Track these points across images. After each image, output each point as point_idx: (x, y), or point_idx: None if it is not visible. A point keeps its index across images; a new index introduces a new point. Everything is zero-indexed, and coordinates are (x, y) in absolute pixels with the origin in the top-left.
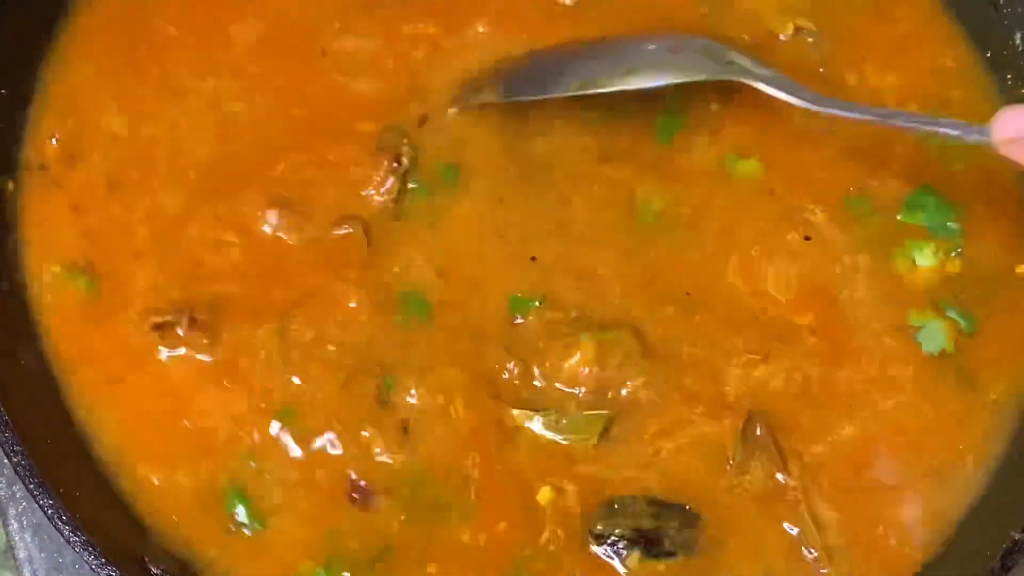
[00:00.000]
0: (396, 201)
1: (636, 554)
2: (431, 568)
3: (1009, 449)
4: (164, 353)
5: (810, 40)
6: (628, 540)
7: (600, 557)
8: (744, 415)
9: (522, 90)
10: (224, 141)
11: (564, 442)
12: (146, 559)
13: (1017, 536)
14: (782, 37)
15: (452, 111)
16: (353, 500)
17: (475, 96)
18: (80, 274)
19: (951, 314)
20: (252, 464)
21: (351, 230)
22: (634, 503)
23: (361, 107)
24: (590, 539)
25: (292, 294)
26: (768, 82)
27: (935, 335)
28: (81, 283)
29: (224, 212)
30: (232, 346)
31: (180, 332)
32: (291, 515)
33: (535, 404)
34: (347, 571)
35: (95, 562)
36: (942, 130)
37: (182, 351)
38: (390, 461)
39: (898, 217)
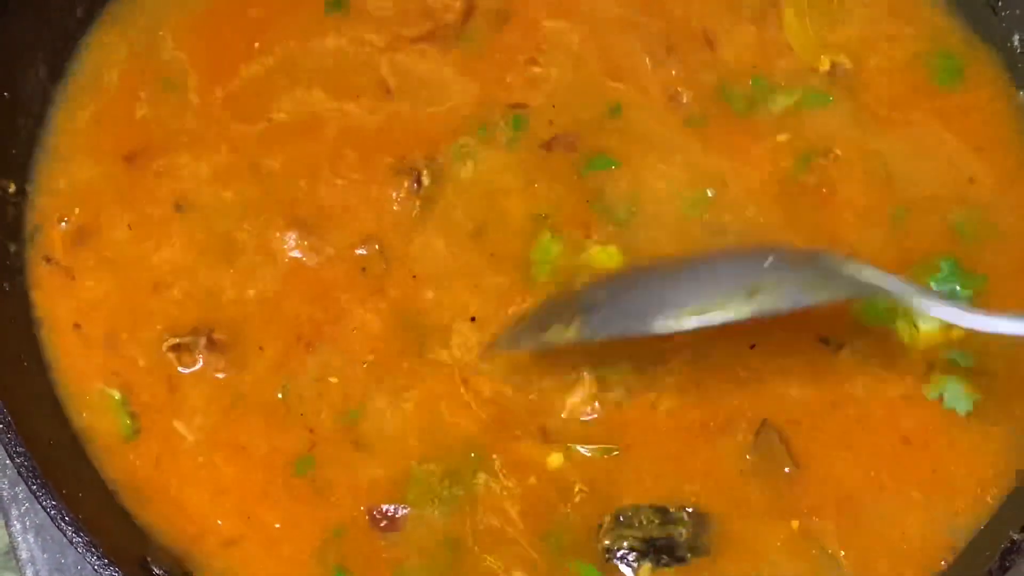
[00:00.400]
0: None
1: (648, 565)
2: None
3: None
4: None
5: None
6: (638, 552)
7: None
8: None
9: (611, 325)
10: None
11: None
12: (148, 560)
13: (1016, 536)
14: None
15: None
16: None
17: (532, 338)
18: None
19: (954, 356)
20: None
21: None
22: (638, 513)
23: None
24: (601, 554)
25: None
26: (906, 294)
27: (959, 395)
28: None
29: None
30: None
31: (198, 357)
32: None
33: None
34: None
35: (97, 563)
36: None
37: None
38: None
39: None
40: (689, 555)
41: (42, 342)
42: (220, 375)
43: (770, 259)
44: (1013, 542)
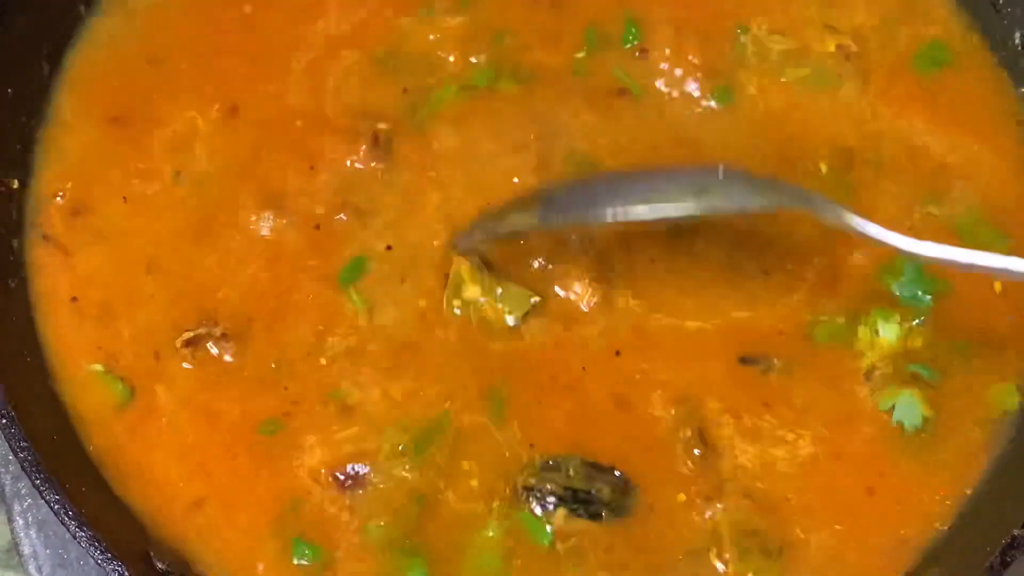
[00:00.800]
0: None
1: (562, 511)
2: None
3: (1008, 446)
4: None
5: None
6: (557, 497)
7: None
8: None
9: (567, 212)
10: None
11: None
12: (151, 554)
13: (1016, 532)
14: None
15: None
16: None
17: (498, 227)
18: None
19: (915, 369)
20: None
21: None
22: (568, 462)
23: None
24: (520, 491)
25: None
26: (833, 215)
27: (911, 408)
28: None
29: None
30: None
31: (211, 346)
32: None
33: None
34: None
35: (100, 557)
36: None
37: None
38: None
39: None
40: (605, 512)
41: (39, 323)
42: (229, 358)
43: (721, 170)
44: (1014, 538)
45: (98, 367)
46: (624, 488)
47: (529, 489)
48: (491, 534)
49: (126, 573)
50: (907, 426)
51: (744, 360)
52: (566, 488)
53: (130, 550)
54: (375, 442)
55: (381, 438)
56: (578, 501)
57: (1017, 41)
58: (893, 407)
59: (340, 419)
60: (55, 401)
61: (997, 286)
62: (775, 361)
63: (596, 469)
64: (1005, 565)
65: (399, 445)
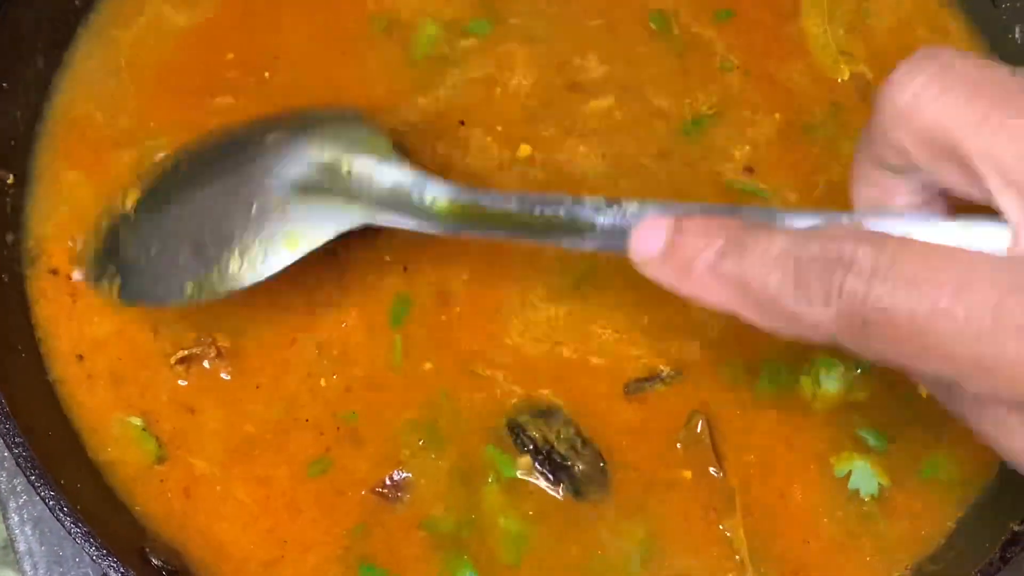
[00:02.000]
0: None
1: (527, 459)
2: None
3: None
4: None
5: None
6: (536, 446)
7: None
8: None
9: (139, 292)
10: None
11: None
12: (146, 550)
13: (1016, 528)
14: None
15: None
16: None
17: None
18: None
19: (864, 434)
20: None
21: None
22: (567, 425)
23: None
24: (505, 425)
25: None
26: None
27: (867, 477)
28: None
29: None
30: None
31: (206, 364)
32: None
33: None
34: None
35: (96, 553)
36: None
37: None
38: None
39: None
40: (563, 485)
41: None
42: (225, 375)
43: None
44: (1014, 534)
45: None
46: (599, 478)
47: (514, 426)
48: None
49: (121, 569)
50: (863, 494)
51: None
52: (547, 443)
53: (125, 546)
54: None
55: (400, 442)
56: (550, 462)
57: (1017, 35)
58: (849, 473)
59: (356, 439)
60: (50, 396)
61: None
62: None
63: (585, 445)
64: (1005, 561)
65: (419, 440)
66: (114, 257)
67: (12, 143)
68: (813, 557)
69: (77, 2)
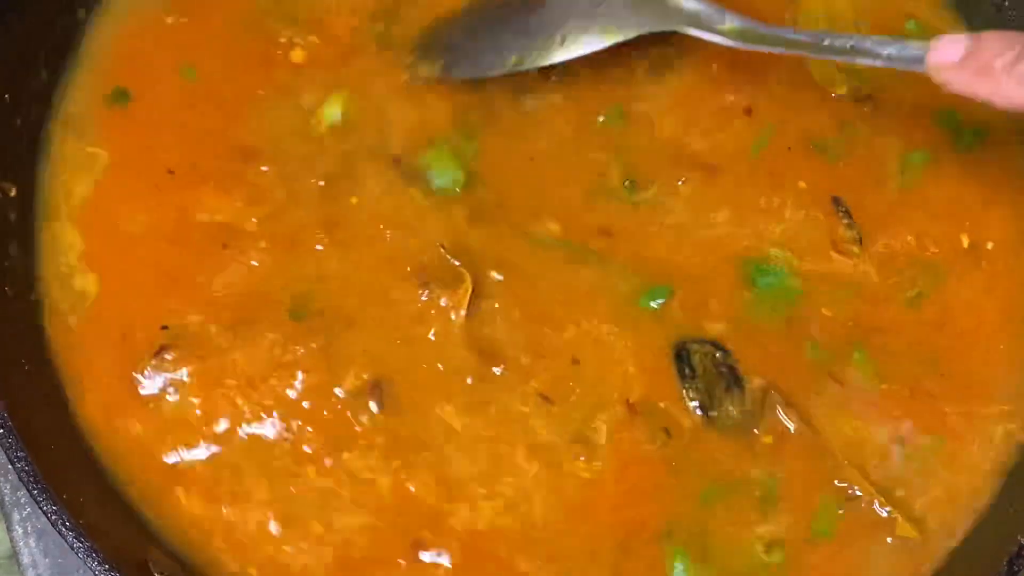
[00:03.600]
0: None
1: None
2: None
3: (1018, 457)
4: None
5: None
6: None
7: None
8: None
9: (460, 67)
10: None
11: None
12: (150, 563)
13: None
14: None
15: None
16: None
17: (419, 69)
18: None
19: None
20: None
21: None
22: (723, 361)
23: None
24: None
25: None
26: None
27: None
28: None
29: None
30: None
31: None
32: None
33: None
34: None
35: (99, 568)
36: (877, 49)
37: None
38: None
39: None
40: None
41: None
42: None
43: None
44: (1021, 547)
45: None
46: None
47: (684, 350)
48: None
49: None
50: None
51: None
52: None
53: (128, 559)
54: None
55: None
56: (707, 394)
57: None
58: None
59: None
60: (54, 407)
61: None
62: None
63: (740, 387)
64: (1013, 575)
65: None
66: (437, 45)
67: (14, 154)
68: None
69: (80, 14)
